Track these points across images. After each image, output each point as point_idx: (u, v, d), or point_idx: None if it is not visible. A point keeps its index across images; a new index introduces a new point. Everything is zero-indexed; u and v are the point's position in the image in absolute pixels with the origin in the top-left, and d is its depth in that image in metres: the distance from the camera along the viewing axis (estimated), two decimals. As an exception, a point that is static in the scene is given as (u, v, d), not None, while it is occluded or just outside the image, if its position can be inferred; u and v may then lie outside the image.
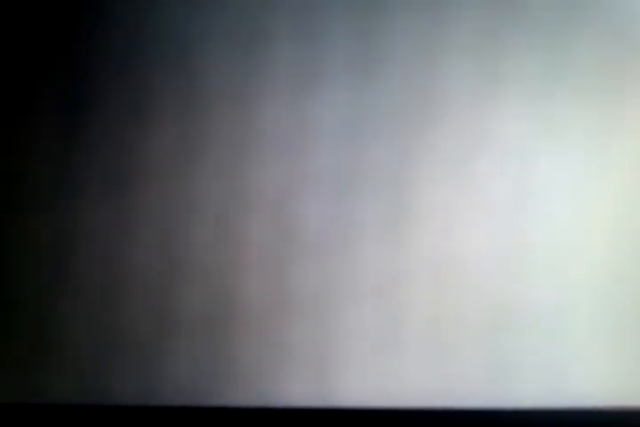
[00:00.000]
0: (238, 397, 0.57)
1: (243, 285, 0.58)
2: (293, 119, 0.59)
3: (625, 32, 0.59)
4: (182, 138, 0.59)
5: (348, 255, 0.58)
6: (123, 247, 0.58)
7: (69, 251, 0.58)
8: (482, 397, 0.57)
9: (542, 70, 0.59)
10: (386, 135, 0.59)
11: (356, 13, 0.59)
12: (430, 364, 0.58)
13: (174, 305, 0.58)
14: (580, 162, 0.59)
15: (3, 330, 0.58)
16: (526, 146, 0.59)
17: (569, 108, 0.59)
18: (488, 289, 0.58)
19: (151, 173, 0.59)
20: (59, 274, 0.58)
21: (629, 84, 0.59)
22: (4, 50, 0.59)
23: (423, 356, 0.58)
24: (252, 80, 0.59)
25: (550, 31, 0.59)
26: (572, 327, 0.58)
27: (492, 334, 0.58)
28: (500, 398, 0.57)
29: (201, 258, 0.58)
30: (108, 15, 0.59)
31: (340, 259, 0.58)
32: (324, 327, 0.58)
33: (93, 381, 0.58)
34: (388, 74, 0.59)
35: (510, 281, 0.58)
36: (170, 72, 0.59)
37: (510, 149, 0.59)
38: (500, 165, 0.59)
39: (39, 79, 0.59)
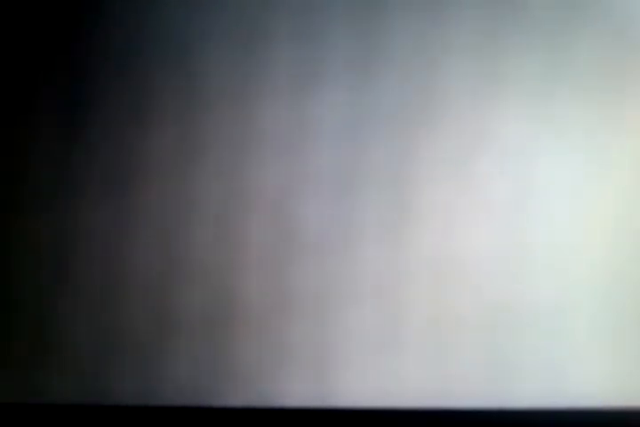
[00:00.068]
0: (238, 397, 0.57)
1: (243, 285, 0.58)
2: (293, 119, 0.59)
3: (625, 32, 0.59)
4: (182, 138, 0.59)
5: (348, 255, 0.58)
6: (123, 247, 0.58)
7: (69, 251, 0.58)
8: (482, 397, 0.57)
9: (542, 70, 0.59)
10: (386, 135, 0.59)
11: (356, 13, 0.59)
12: (430, 364, 0.58)
13: (174, 305, 0.58)
14: (580, 162, 0.59)
15: (3, 330, 0.58)
16: (526, 146, 0.59)
17: (569, 108, 0.59)
18: (488, 289, 0.58)
19: (151, 173, 0.59)
20: (59, 274, 0.58)
21: (629, 84, 0.59)
22: (4, 50, 0.59)
23: (423, 356, 0.58)
24: (252, 80, 0.59)
25: (550, 31, 0.59)
26: (572, 327, 0.58)
27: (491, 334, 0.58)
28: (500, 398, 0.57)
29: (201, 258, 0.58)
30: (107, 15, 0.59)
31: (339, 259, 0.58)
32: (324, 327, 0.58)
33: (93, 381, 0.58)
34: (388, 74, 0.59)
35: (510, 281, 0.58)
36: (170, 72, 0.59)
37: (510, 149, 0.59)
38: (500, 165, 0.59)
39: (39, 79, 0.59)
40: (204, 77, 0.59)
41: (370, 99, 0.59)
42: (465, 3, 0.59)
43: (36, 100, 0.59)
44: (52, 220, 0.58)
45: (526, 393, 0.58)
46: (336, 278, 0.58)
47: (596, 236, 0.58)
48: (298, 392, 0.57)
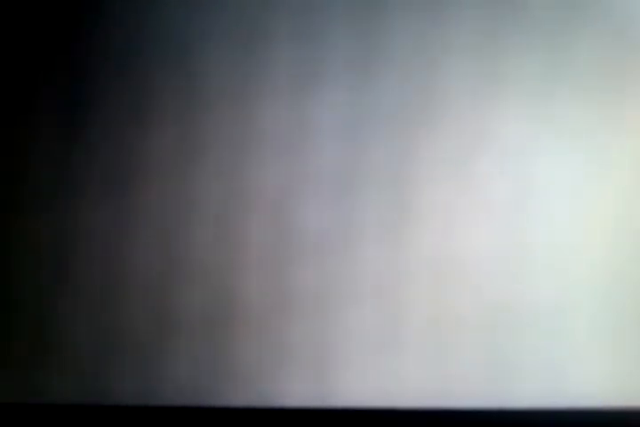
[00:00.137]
0: (238, 397, 0.57)
1: (243, 285, 0.58)
2: (293, 119, 0.59)
3: (625, 32, 0.59)
4: (182, 138, 0.59)
5: (348, 255, 0.58)
6: (123, 247, 0.58)
7: (69, 251, 0.58)
8: (482, 397, 0.57)
9: (542, 70, 0.59)
10: (386, 135, 0.59)
11: (356, 13, 0.59)
12: (430, 364, 0.58)
13: (174, 305, 0.58)
14: (580, 162, 0.59)
15: (3, 330, 0.58)
16: (526, 146, 0.59)
17: (569, 108, 0.59)
18: (488, 289, 0.58)
19: (151, 173, 0.59)
20: (59, 274, 0.58)
21: (629, 84, 0.59)
22: (4, 50, 0.59)
23: (423, 356, 0.58)
24: (252, 80, 0.59)
25: (550, 31, 0.59)
26: (572, 327, 0.58)
27: (491, 334, 0.58)
28: (500, 398, 0.57)
29: (201, 258, 0.58)
30: (108, 15, 0.59)
31: (340, 259, 0.58)
32: (324, 327, 0.58)
33: (93, 381, 0.58)
34: (388, 74, 0.59)
35: (510, 281, 0.58)
36: (170, 72, 0.59)
37: (510, 149, 0.59)
38: (500, 165, 0.59)
39: (39, 79, 0.59)
40: (203, 77, 0.59)
41: (370, 99, 0.59)
42: (465, 3, 0.59)
43: (36, 100, 0.59)
44: (51, 220, 0.58)
45: (526, 393, 0.58)
46: (336, 278, 0.58)
47: (596, 236, 0.58)
48: (298, 392, 0.57)
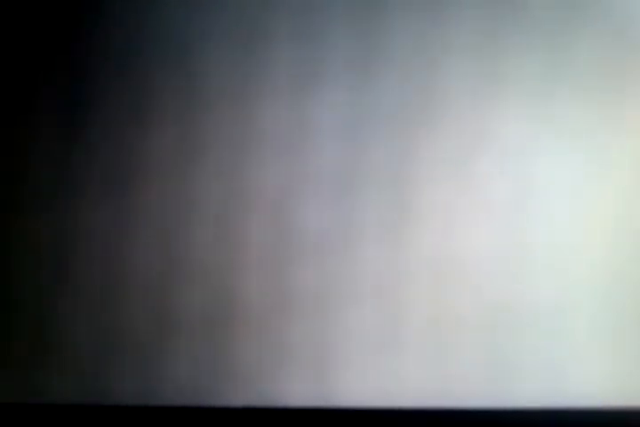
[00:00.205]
0: (238, 397, 0.57)
1: (243, 285, 0.58)
2: (293, 119, 0.59)
3: (625, 32, 0.59)
4: (182, 138, 0.59)
5: (348, 255, 0.58)
6: (123, 247, 0.58)
7: (69, 251, 0.58)
8: (482, 397, 0.57)
9: (542, 70, 0.59)
10: (386, 135, 0.59)
11: (356, 13, 0.59)
12: (430, 364, 0.58)
13: (174, 305, 0.58)
14: (580, 162, 0.59)
15: (3, 330, 0.58)
16: (526, 146, 0.59)
17: (569, 108, 0.59)
18: (488, 289, 0.58)
19: (151, 173, 0.59)
20: (59, 274, 0.58)
21: (629, 84, 0.59)
22: (4, 50, 0.59)
23: (423, 356, 0.58)
24: (252, 80, 0.59)
25: (550, 31, 0.59)
26: (572, 327, 0.58)
27: (491, 334, 0.58)
28: (500, 398, 0.57)
29: (201, 258, 0.58)
30: (108, 15, 0.59)
31: (340, 259, 0.58)
32: (324, 327, 0.58)
33: (93, 381, 0.58)
34: (388, 74, 0.59)
35: (510, 281, 0.58)
36: (170, 72, 0.59)
37: (510, 149, 0.59)
38: (500, 165, 0.59)
39: (39, 79, 0.59)
40: (204, 77, 0.59)
41: (370, 99, 0.59)
42: (465, 3, 0.59)
43: (36, 100, 0.59)
44: (51, 220, 0.58)
45: (526, 393, 0.58)
46: (336, 278, 0.58)
47: (596, 236, 0.58)
48: (298, 392, 0.57)
